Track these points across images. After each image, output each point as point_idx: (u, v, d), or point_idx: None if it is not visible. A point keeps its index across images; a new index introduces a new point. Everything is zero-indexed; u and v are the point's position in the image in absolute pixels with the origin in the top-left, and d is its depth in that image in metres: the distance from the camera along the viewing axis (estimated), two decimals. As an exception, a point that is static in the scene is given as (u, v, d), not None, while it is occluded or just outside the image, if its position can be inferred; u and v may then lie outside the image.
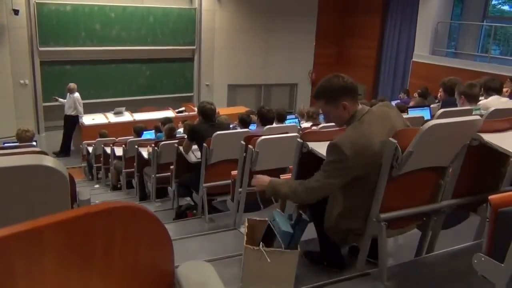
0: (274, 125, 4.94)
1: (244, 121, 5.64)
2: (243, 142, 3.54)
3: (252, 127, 5.68)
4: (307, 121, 7.15)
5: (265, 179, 2.51)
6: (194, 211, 4.71)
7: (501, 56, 11.85)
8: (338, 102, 2.26)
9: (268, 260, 2.38)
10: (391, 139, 2.19)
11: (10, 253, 0.74)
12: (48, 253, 0.78)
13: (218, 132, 4.05)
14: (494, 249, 1.73)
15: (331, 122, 2.48)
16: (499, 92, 4.58)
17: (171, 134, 6.60)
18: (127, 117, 11.71)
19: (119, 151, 7.54)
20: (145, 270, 0.95)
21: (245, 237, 2.53)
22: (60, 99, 10.99)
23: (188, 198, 5.03)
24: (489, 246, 1.75)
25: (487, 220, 1.76)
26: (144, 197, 6.55)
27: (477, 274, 1.78)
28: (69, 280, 0.84)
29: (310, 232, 2.75)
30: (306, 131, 3.22)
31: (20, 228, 0.74)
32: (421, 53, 12.33)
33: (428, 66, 11.91)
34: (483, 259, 1.75)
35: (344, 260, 2.63)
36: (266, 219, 2.63)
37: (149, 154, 6.04)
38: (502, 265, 1.67)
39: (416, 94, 8.94)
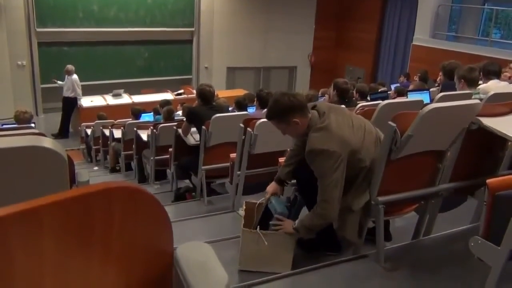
0: (273, 108, 4.91)
1: (240, 104, 5.61)
2: (242, 125, 3.53)
3: (251, 110, 5.67)
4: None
5: (287, 226, 2.45)
6: (193, 194, 4.72)
7: (502, 40, 11.78)
8: (289, 120, 2.33)
9: (266, 243, 2.40)
10: (390, 122, 2.19)
11: (8, 234, 0.74)
12: (46, 233, 0.78)
13: (217, 115, 4.04)
14: (491, 232, 1.75)
15: (290, 136, 2.55)
16: (498, 75, 4.56)
17: (169, 117, 6.58)
18: (125, 99, 11.66)
19: (117, 133, 7.53)
20: (144, 250, 0.95)
21: (243, 220, 2.55)
22: (59, 81, 10.92)
23: (187, 181, 5.04)
24: (486, 229, 1.76)
25: (485, 203, 1.77)
26: (143, 179, 6.56)
27: (474, 257, 1.80)
28: (67, 260, 0.84)
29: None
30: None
31: (17, 208, 0.74)
32: (422, 37, 12.25)
33: (428, 50, 11.84)
34: (480, 242, 1.76)
35: (340, 243, 2.65)
36: (263, 201, 2.65)
37: (148, 136, 6.04)
38: (499, 248, 1.69)
39: (416, 78, 8.90)
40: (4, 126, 4.97)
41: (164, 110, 6.87)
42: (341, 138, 2.24)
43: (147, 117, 8.64)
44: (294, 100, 2.32)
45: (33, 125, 5.07)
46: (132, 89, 12.17)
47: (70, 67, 10.72)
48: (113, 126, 8.11)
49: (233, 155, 3.71)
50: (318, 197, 2.29)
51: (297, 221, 2.43)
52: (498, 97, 2.91)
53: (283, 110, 2.33)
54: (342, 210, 2.36)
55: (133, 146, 6.78)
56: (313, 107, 2.40)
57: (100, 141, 8.59)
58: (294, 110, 2.31)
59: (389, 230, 2.76)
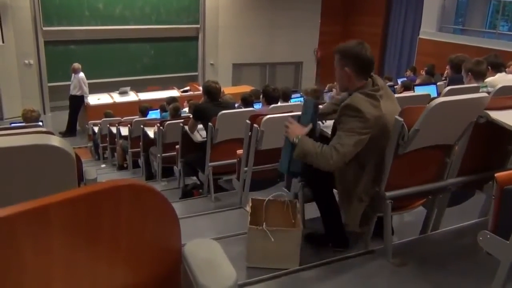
0: (279, 104, 4.91)
1: (246, 100, 5.61)
2: (248, 121, 3.53)
3: (257, 106, 5.66)
4: (312, 99, 7.09)
5: (298, 131, 2.40)
6: (200, 190, 4.73)
7: (510, 32, 11.66)
8: (343, 65, 2.30)
9: (272, 239, 2.40)
10: (397, 117, 2.18)
11: (17, 232, 0.75)
12: (54, 231, 0.79)
13: (223, 111, 4.04)
14: (499, 226, 1.74)
15: (336, 81, 2.52)
16: (504, 67, 4.57)
17: (176, 114, 6.60)
18: (132, 96, 11.69)
19: (124, 131, 7.56)
20: (152, 247, 0.96)
21: (249, 217, 2.55)
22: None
23: (194, 177, 5.05)
24: (495, 223, 1.75)
25: (493, 197, 1.76)
26: (150, 176, 6.58)
27: (483, 251, 1.79)
28: (76, 257, 0.84)
29: (313, 211, 2.77)
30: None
31: (27, 206, 0.75)
32: (428, 30, 12.16)
33: (435, 43, 11.75)
34: (488, 236, 1.75)
35: (348, 239, 2.64)
36: (271, 197, 2.66)
37: (154, 133, 6.05)
38: (508, 242, 1.68)
39: (423, 72, 8.86)
40: (12, 125, 5.00)
41: (170, 107, 6.88)
42: (381, 117, 2.22)
43: (153, 114, 8.66)
44: (364, 55, 2.26)
45: (40, 123, 5.10)
46: (139, 87, 12.20)
47: (76, 65, 10.76)
48: (120, 123, 8.14)
49: (239, 151, 3.71)
50: (331, 142, 2.24)
51: (300, 138, 2.34)
52: (506, 90, 2.89)
53: (347, 54, 2.29)
54: (350, 198, 2.36)
55: (140, 143, 6.80)
56: (371, 76, 2.36)
57: (107, 138, 8.63)
58: (355, 61, 2.26)
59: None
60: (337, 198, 2.52)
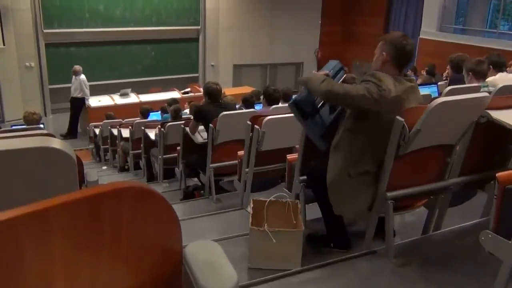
0: (280, 105, 4.91)
1: (247, 102, 5.62)
2: (249, 122, 3.53)
3: (258, 107, 5.67)
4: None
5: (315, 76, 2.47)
6: (202, 192, 4.73)
7: (510, 32, 11.64)
8: (382, 50, 2.40)
9: (274, 240, 2.40)
10: (398, 117, 2.18)
11: (18, 235, 0.75)
12: (56, 234, 0.79)
13: (224, 113, 4.04)
14: (501, 226, 1.73)
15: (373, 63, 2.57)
16: (505, 67, 4.56)
17: (177, 115, 6.60)
18: (133, 98, 11.69)
19: (126, 133, 7.56)
20: (153, 249, 0.96)
21: (251, 218, 2.55)
22: None
23: (196, 179, 5.05)
24: (497, 223, 1.75)
25: (495, 197, 1.76)
26: (151, 178, 6.59)
27: (485, 251, 1.79)
28: (77, 260, 0.84)
29: (314, 211, 2.77)
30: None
31: (28, 209, 0.75)
32: (429, 30, 12.14)
33: (435, 43, 11.74)
34: (490, 236, 1.75)
35: (350, 240, 2.64)
36: (273, 198, 2.66)
37: (156, 135, 6.06)
38: (510, 242, 1.68)
39: (423, 72, 8.84)
40: (14, 127, 5.01)
41: (171, 108, 6.89)
42: (396, 100, 2.25)
43: (154, 116, 8.67)
44: (405, 47, 2.37)
45: (42, 126, 5.10)
46: (139, 88, 12.21)
47: (77, 67, 10.77)
48: (121, 125, 8.15)
49: (241, 152, 3.72)
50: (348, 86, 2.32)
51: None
52: (507, 90, 2.89)
53: (390, 41, 2.39)
54: (339, 179, 2.37)
55: (141, 145, 6.81)
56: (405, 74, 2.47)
57: (108, 140, 8.64)
58: (395, 50, 2.36)
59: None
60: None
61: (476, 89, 3.61)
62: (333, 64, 2.70)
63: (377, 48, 2.46)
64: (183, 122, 5.19)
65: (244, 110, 4.86)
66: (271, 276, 2.35)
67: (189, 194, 4.87)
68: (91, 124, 10.10)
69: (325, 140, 2.53)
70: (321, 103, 2.59)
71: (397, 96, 2.25)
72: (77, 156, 1.26)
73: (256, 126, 3.46)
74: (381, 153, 2.30)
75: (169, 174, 6.04)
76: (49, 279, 0.82)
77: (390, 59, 2.37)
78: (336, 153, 2.41)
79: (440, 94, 4.75)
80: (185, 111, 7.78)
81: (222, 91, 5.15)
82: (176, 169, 5.38)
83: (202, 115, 4.48)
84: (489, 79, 4.11)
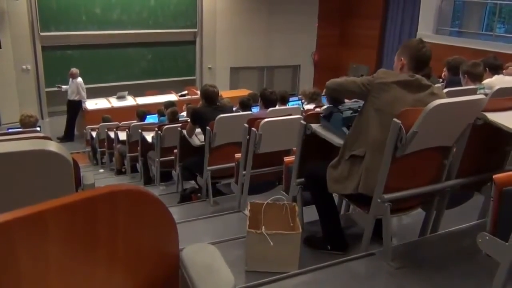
0: (277, 107, 4.92)
1: (244, 104, 5.62)
2: (246, 125, 3.53)
3: (255, 109, 5.67)
4: (310, 103, 7.11)
5: None
6: (199, 194, 4.73)
7: (506, 34, 11.69)
8: (400, 55, 2.51)
9: (271, 243, 2.40)
10: (395, 119, 2.18)
11: (13, 238, 0.74)
12: (51, 237, 0.78)
13: (221, 115, 4.04)
14: (498, 228, 1.74)
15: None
16: (501, 69, 4.58)
17: (174, 118, 6.60)
18: (130, 101, 11.68)
19: (122, 136, 7.55)
20: (149, 253, 0.95)
21: (248, 220, 2.54)
22: (63, 86, 10.95)
23: (193, 182, 5.05)
24: (494, 225, 1.75)
25: (492, 199, 1.76)
26: (148, 181, 6.58)
27: (482, 253, 1.79)
28: (73, 264, 0.84)
29: (312, 214, 2.77)
30: (309, 113, 3.20)
31: (23, 212, 0.74)
32: (425, 33, 12.17)
33: (432, 46, 11.46)
34: (487, 238, 1.75)
35: (347, 242, 2.64)
36: (270, 201, 2.66)
37: (152, 138, 6.05)
38: (507, 243, 1.68)
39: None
40: (10, 130, 4.99)
41: (168, 111, 6.88)
42: (382, 86, 2.33)
43: (151, 118, 8.65)
44: (420, 52, 2.44)
45: (38, 129, 5.10)
46: (136, 91, 12.19)
47: (74, 70, 10.75)
48: (118, 128, 8.13)
49: (238, 155, 3.71)
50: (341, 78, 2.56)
51: None
52: (503, 92, 2.89)
53: (406, 49, 2.50)
54: (341, 160, 2.43)
55: (138, 148, 6.79)
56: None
57: (105, 143, 8.62)
58: (411, 56, 2.44)
59: None
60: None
61: (473, 91, 3.62)
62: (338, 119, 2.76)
63: (396, 56, 2.57)
64: (180, 124, 5.19)
65: (241, 113, 4.86)
66: (268, 279, 2.34)
67: (186, 197, 4.87)
68: (88, 127, 10.08)
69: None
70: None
71: (384, 83, 2.32)
72: (73, 159, 1.26)
73: (253, 129, 3.46)
74: (377, 138, 2.31)
75: (166, 177, 6.03)
76: (44, 282, 0.81)
77: (406, 62, 2.45)
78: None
79: (436, 96, 4.75)
80: (182, 113, 7.77)
81: (219, 94, 5.15)
82: (173, 172, 5.37)
83: (199, 118, 4.48)
84: (486, 81, 4.12)
